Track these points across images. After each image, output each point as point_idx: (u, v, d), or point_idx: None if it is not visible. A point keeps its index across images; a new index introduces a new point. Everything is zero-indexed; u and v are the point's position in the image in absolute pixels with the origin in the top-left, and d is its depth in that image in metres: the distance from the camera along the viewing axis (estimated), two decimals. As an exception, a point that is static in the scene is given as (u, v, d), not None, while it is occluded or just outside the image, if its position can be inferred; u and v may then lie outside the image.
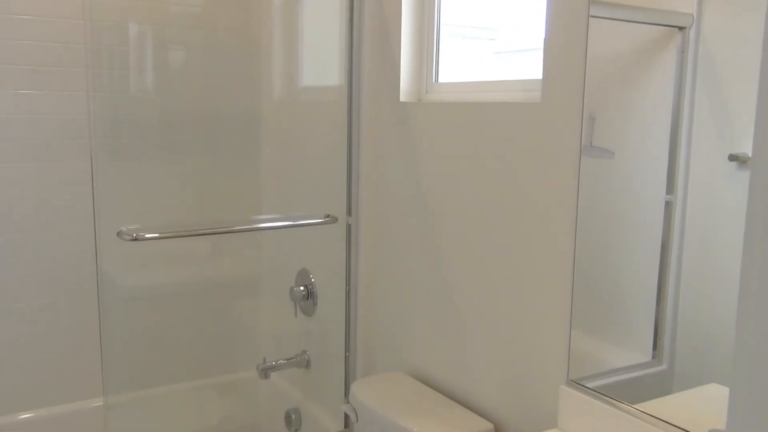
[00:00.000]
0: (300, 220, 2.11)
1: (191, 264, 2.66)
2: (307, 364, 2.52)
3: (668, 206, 1.25)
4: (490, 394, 1.70)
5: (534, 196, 1.54)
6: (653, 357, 1.30)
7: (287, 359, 2.51)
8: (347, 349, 2.29)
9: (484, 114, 1.66)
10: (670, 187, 1.25)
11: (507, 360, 1.64)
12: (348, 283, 2.23)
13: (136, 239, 1.73)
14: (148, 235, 1.80)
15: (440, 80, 1.96)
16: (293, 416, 2.52)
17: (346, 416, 2.31)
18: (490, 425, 1.65)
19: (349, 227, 2.17)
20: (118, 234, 1.76)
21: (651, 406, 1.29)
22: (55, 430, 2.46)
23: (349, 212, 2.16)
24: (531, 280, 1.56)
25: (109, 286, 2.44)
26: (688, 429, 1.22)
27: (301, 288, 2.46)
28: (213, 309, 2.69)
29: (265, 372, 2.48)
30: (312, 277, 2.44)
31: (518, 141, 1.57)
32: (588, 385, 1.41)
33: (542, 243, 1.52)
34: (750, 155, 0.98)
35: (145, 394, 2.55)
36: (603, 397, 1.37)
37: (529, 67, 1.69)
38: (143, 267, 2.55)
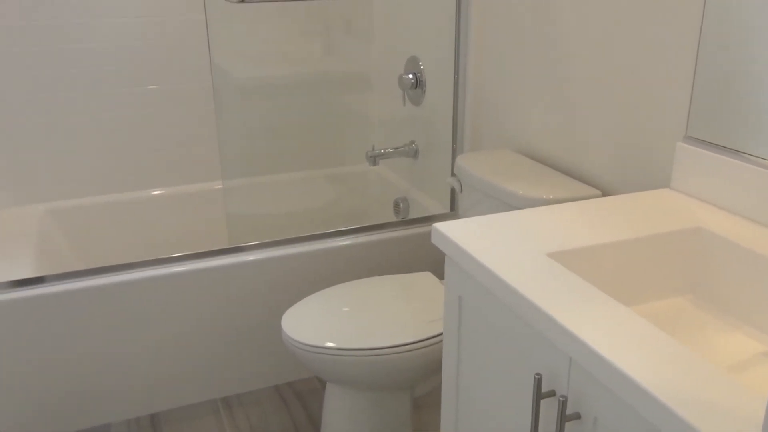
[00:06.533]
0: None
1: (304, 59, 2.67)
2: (415, 154, 2.53)
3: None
4: (598, 162, 1.63)
5: (666, -66, 1.36)
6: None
7: (395, 148, 2.54)
8: (454, 139, 2.26)
9: None
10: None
11: (618, 125, 1.56)
12: (457, 68, 2.16)
13: (243, 1, 1.72)
14: (254, -3, 1.79)
15: None
16: (401, 204, 2.59)
17: (452, 200, 2.34)
18: (597, 191, 1.60)
19: (458, 2, 2.06)
20: (225, -2, 1.76)
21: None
22: (182, 205, 2.67)
23: (459, -16, 2.04)
24: (650, 37, 1.43)
25: (224, 77, 2.50)
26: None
27: (410, 76, 2.41)
28: (325, 102, 2.72)
29: (373, 159, 2.52)
30: (421, 64, 2.39)
31: None
32: (711, 140, 1.31)
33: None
34: None
35: (260, 180, 2.68)
36: (729, 150, 1.28)
37: None
38: (258, 61, 2.58)
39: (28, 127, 2.40)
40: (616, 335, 0.86)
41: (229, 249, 2.02)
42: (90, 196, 2.55)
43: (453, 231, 1.18)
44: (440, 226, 1.20)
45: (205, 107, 2.64)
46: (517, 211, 1.27)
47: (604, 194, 1.62)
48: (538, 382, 0.93)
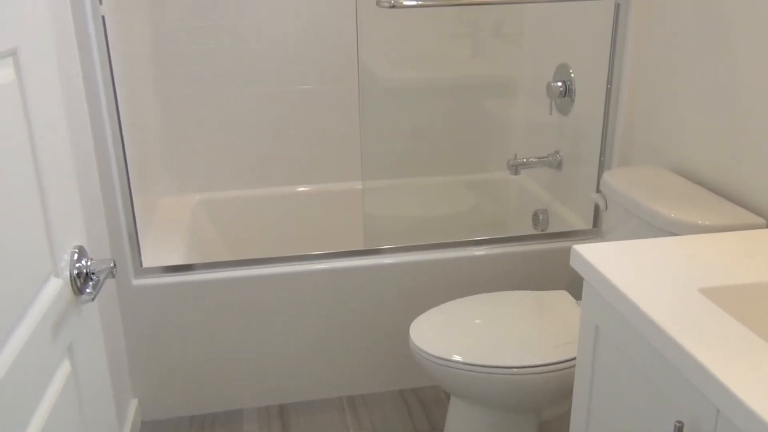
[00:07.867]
0: (563, -3, 1.94)
1: (451, 62, 2.65)
2: (559, 165, 2.44)
3: None
4: (766, 187, 1.48)
5: None
6: None
7: (539, 158, 2.46)
8: (602, 152, 2.15)
9: None
10: None
11: (795, 149, 1.40)
12: (610, 77, 2.05)
13: (394, 6, 1.73)
14: (406, 3, 1.79)
15: None
16: (541, 216, 2.50)
17: (596, 216, 2.23)
18: (761, 220, 1.45)
19: (617, 7, 1.96)
20: (377, 3, 1.78)
21: None
22: (324, 201, 2.74)
23: (619, -10, 1.93)
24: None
25: (371, 78, 2.53)
26: None
27: (559, 84, 2.33)
28: (469, 107, 2.69)
29: (515, 168, 2.46)
30: (571, 72, 2.29)
31: None
32: None
33: None
34: None
35: (399, 183, 2.69)
36: None
37: None
38: (405, 63, 2.60)
39: (190, 121, 2.57)
40: (776, 391, 0.76)
41: (366, 251, 2.05)
42: (239, 189, 2.69)
43: (594, 255, 1.11)
44: (580, 248, 1.14)
45: (352, 108, 2.69)
46: (668, 237, 1.17)
47: (770, 224, 1.47)
48: (679, 430, 0.85)
